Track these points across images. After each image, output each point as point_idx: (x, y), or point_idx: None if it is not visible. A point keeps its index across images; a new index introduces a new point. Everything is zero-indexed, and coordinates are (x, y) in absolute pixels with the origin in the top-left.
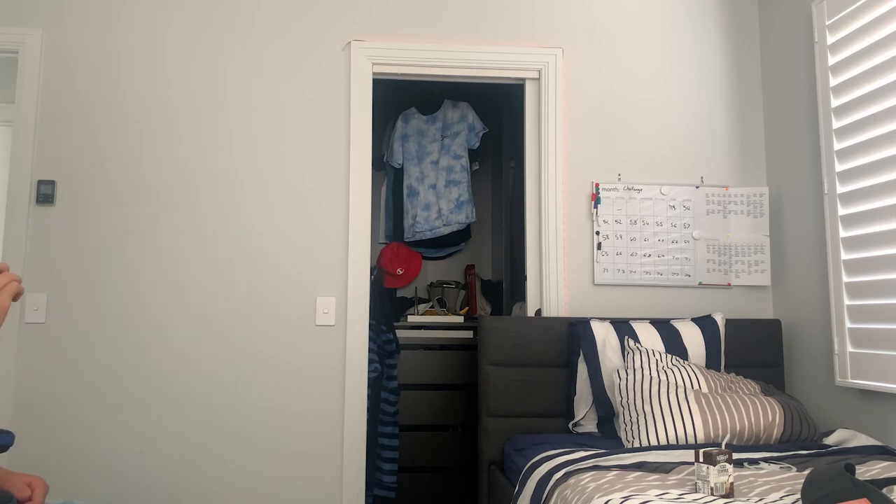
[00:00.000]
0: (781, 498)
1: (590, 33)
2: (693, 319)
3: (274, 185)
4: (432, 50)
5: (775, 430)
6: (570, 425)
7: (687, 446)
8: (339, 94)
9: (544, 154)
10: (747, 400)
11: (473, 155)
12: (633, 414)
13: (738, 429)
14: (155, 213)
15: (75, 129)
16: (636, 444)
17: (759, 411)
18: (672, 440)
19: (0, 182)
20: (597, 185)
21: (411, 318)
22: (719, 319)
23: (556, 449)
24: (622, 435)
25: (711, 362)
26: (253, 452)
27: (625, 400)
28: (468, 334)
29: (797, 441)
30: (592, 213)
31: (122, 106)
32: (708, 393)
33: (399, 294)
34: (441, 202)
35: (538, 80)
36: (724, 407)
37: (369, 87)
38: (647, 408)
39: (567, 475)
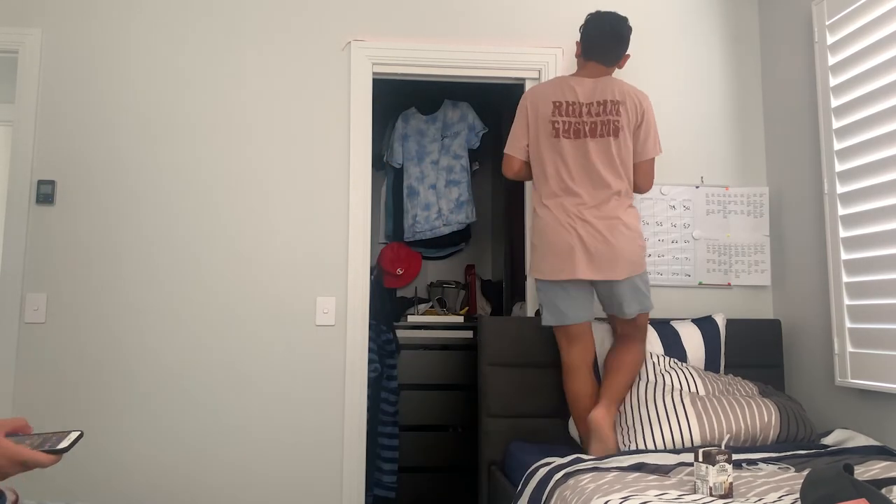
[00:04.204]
0: (780, 498)
1: None
2: (693, 320)
3: (274, 185)
4: (432, 50)
5: (772, 432)
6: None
7: (684, 450)
8: (339, 94)
9: None
10: (743, 402)
11: (473, 155)
12: (631, 418)
13: (734, 431)
14: (154, 214)
15: (75, 129)
16: (632, 448)
17: (755, 413)
18: (668, 444)
19: (0, 182)
20: None
21: (411, 318)
22: (720, 320)
23: (556, 451)
24: (619, 438)
25: (711, 363)
26: (252, 451)
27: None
28: (468, 334)
29: (794, 442)
30: None
31: (121, 106)
32: (705, 396)
33: (399, 294)
34: (441, 202)
35: (538, 80)
36: (720, 409)
37: (369, 87)
38: (644, 412)
39: (567, 476)
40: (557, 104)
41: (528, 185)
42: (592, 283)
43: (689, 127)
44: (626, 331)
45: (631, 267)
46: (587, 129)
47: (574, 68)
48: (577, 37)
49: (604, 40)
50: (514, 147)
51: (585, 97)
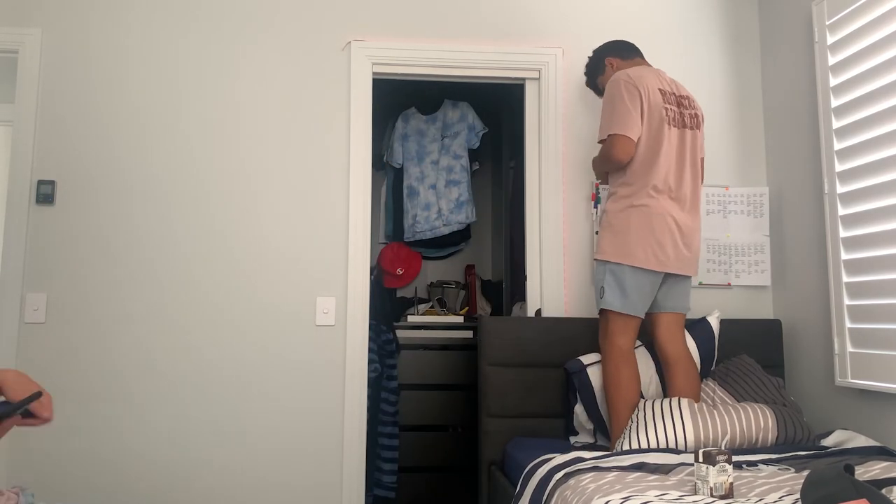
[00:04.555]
0: (781, 498)
1: (590, 33)
2: (687, 328)
3: (274, 185)
4: (432, 50)
5: (770, 436)
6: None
7: (684, 450)
8: (339, 94)
9: (544, 154)
10: (739, 407)
11: (473, 155)
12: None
13: (730, 434)
14: (155, 214)
15: (75, 128)
16: (625, 447)
17: (750, 417)
18: (662, 444)
19: (0, 182)
20: (597, 186)
21: (411, 318)
22: (713, 321)
23: (556, 450)
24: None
25: (704, 368)
26: (252, 452)
27: None
28: (468, 334)
29: (793, 444)
30: (592, 213)
31: (121, 106)
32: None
33: (399, 294)
34: (441, 202)
35: (538, 80)
36: (716, 413)
37: (369, 87)
38: (640, 414)
39: (567, 476)
40: (663, 92)
41: (527, 184)
42: (664, 277)
43: None
44: (675, 348)
45: (698, 263)
46: (685, 119)
47: (573, 69)
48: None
49: (633, 45)
50: (633, 128)
51: (675, 89)
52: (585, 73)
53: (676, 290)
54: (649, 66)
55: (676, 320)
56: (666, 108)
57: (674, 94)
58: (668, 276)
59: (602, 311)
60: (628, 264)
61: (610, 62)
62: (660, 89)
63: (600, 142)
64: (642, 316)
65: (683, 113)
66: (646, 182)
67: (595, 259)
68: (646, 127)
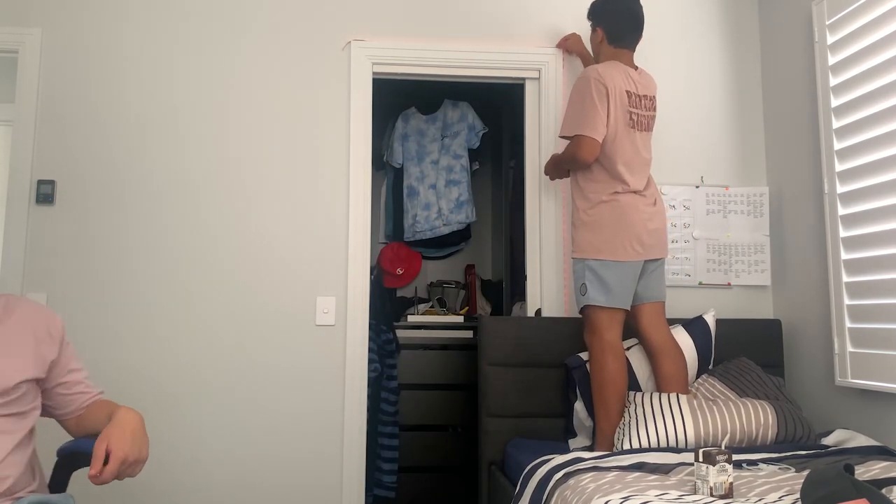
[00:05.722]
0: (781, 498)
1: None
2: (684, 325)
3: (274, 185)
4: (432, 50)
5: (770, 432)
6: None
7: (684, 450)
8: (339, 93)
9: (544, 154)
10: (739, 403)
11: (473, 155)
12: (626, 416)
13: (730, 431)
14: (155, 213)
15: (75, 128)
16: (626, 446)
17: (751, 413)
18: (663, 442)
19: (0, 182)
20: None
21: (411, 318)
22: (710, 319)
23: (556, 450)
24: (615, 436)
25: (702, 364)
26: (252, 452)
27: None
28: (468, 334)
29: (793, 442)
30: None
31: (121, 106)
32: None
33: (399, 294)
34: (441, 202)
35: (538, 79)
36: (716, 409)
37: (369, 87)
38: (640, 410)
39: (567, 476)
40: (629, 93)
41: (527, 184)
42: (643, 268)
43: (689, 127)
44: (660, 336)
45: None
46: (644, 122)
47: (573, 69)
48: (584, 24)
49: (633, 27)
50: (598, 129)
51: (641, 90)
52: (589, 13)
53: (653, 278)
54: (622, 64)
55: (657, 309)
56: (631, 112)
57: (638, 95)
58: (645, 264)
59: (584, 308)
60: (609, 259)
61: (599, 34)
62: (626, 91)
63: (562, 136)
64: (628, 308)
65: (644, 115)
66: (611, 179)
67: (573, 257)
68: (611, 126)
